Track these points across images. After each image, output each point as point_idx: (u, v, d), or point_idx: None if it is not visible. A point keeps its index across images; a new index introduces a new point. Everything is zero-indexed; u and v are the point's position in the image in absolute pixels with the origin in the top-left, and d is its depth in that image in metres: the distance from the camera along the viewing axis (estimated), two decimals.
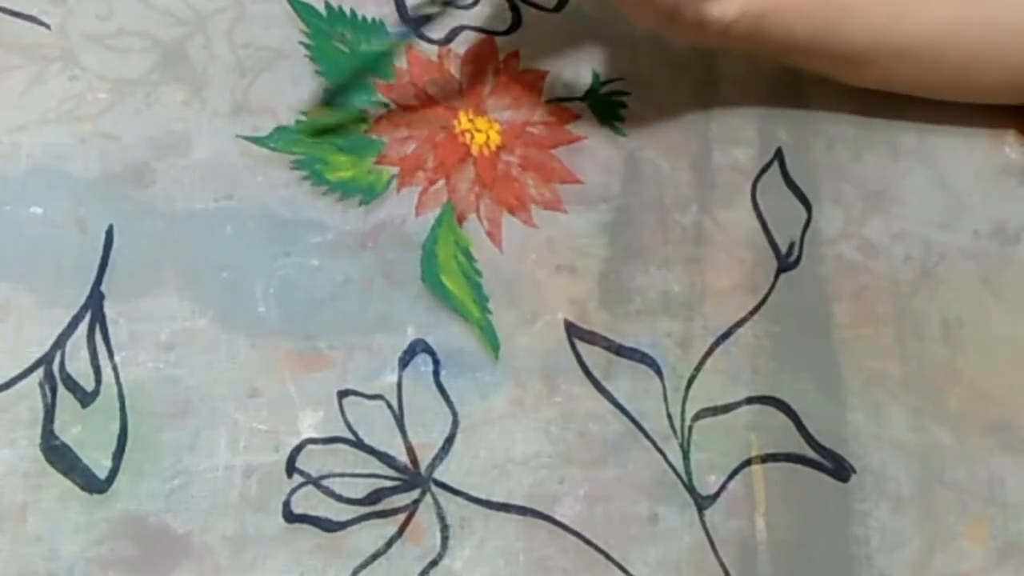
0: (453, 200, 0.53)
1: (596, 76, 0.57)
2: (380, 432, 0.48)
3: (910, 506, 0.52)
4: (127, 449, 0.46)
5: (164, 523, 0.45)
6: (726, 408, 0.52)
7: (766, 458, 0.51)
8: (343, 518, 0.47)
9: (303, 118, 0.53)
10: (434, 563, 0.47)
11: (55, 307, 0.47)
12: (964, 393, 0.54)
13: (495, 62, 0.57)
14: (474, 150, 0.54)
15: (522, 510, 0.48)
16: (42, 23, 0.52)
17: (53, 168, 0.49)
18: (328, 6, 0.56)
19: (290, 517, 0.46)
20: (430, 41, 0.56)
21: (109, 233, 0.49)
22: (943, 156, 0.59)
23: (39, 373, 0.46)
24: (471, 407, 0.49)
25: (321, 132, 0.52)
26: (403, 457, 0.48)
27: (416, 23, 0.51)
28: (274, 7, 0.55)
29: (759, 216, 0.56)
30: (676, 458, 0.51)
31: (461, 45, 0.57)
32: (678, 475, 0.50)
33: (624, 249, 0.54)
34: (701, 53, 0.59)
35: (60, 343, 0.46)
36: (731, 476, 0.51)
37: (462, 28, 0.57)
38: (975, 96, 0.59)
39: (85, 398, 0.46)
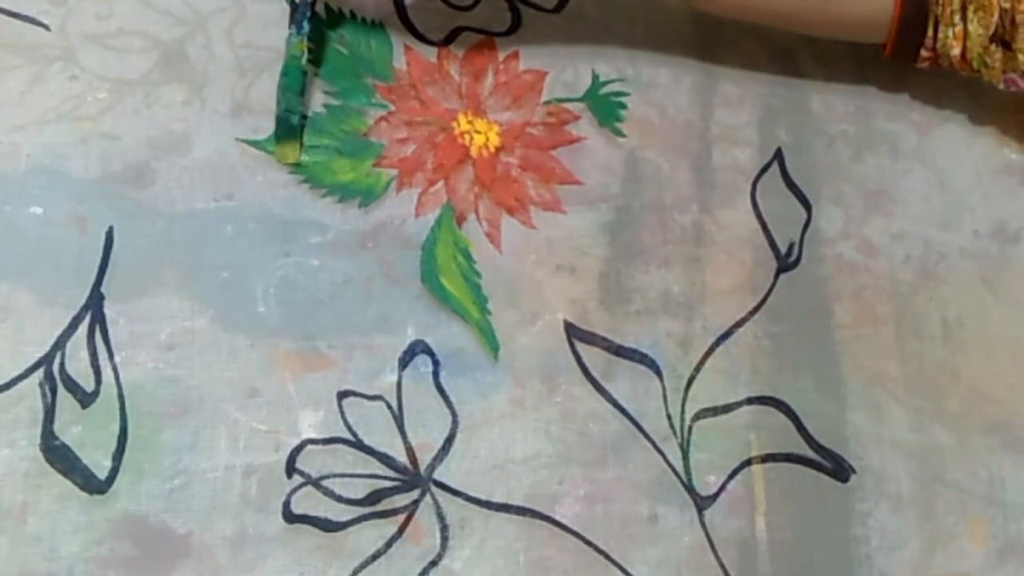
0: (452, 201, 0.53)
1: (596, 76, 0.57)
2: (380, 432, 0.48)
3: (910, 506, 0.52)
4: (127, 449, 0.46)
5: (164, 523, 0.45)
6: (726, 408, 0.52)
7: (766, 458, 0.51)
8: (343, 518, 0.47)
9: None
10: (434, 563, 0.47)
11: (55, 307, 0.47)
12: (964, 393, 0.54)
13: (495, 62, 0.57)
14: (473, 151, 0.54)
15: (522, 510, 0.48)
16: (42, 23, 0.52)
17: (53, 168, 0.49)
18: (328, 7, 0.56)
19: (290, 517, 0.46)
20: (430, 42, 0.56)
21: (109, 233, 0.49)
22: (943, 156, 0.59)
23: (39, 373, 0.46)
24: (471, 407, 0.49)
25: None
26: (403, 457, 0.48)
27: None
28: (274, 7, 0.55)
29: (759, 216, 0.56)
30: (676, 458, 0.50)
31: (461, 46, 0.57)
32: (678, 475, 0.50)
33: (624, 249, 0.54)
34: (701, 53, 0.59)
35: (60, 343, 0.47)
36: (731, 476, 0.51)
37: (462, 29, 0.57)
38: (837, 31, 0.57)
39: (85, 398, 0.46)
